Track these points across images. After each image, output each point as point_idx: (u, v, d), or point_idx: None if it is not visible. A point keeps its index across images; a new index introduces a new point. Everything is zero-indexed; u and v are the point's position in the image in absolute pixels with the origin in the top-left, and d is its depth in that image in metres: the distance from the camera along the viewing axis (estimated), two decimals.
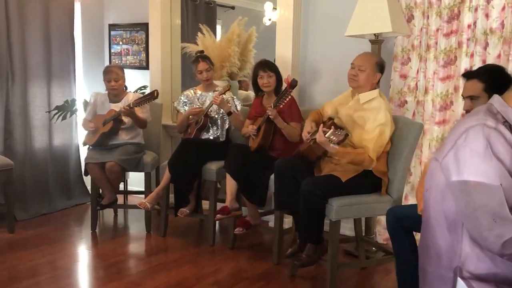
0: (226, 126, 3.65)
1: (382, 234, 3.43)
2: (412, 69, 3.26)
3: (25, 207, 4.04)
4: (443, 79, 3.13)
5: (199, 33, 4.29)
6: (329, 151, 2.60)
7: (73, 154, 4.50)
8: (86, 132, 3.83)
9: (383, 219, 3.27)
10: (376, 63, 2.79)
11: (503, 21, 2.89)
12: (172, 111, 4.37)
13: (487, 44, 2.94)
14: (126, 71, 3.85)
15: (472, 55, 3.01)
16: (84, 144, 3.91)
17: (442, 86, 3.14)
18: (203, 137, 3.61)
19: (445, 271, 1.49)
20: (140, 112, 3.61)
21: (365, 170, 2.74)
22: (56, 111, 4.15)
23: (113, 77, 3.65)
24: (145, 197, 3.59)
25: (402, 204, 2.90)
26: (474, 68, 2.85)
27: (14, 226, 3.70)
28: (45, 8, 4.18)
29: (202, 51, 3.79)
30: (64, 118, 4.21)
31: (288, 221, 3.56)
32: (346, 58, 2.96)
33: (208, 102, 3.58)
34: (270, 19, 5.91)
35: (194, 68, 3.61)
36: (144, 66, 4.58)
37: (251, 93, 5.50)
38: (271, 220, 3.64)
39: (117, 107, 3.65)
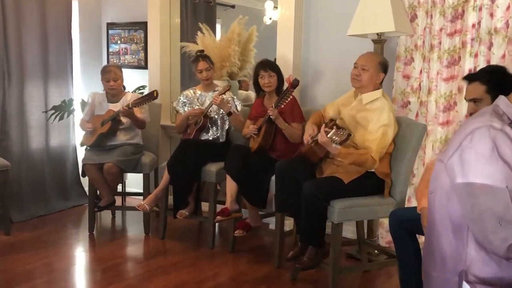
0: (226, 126, 3.64)
1: (384, 237, 3.41)
2: (415, 69, 3.24)
3: (22, 209, 4.02)
4: (446, 80, 3.12)
5: (198, 32, 4.27)
6: (331, 151, 2.60)
7: (70, 155, 4.47)
8: (83, 132, 3.82)
9: (385, 221, 3.27)
10: (379, 63, 2.78)
11: (507, 20, 2.87)
12: (171, 112, 4.35)
13: (491, 44, 2.93)
14: (124, 70, 3.84)
15: (476, 55, 2.99)
16: (82, 144, 3.90)
17: (446, 86, 3.12)
18: (202, 138, 3.60)
19: (450, 275, 1.47)
20: (139, 112, 3.60)
21: (368, 172, 2.74)
22: (53, 111, 4.13)
23: (111, 76, 3.63)
24: (144, 198, 3.56)
25: (405, 206, 2.89)
26: (479, 68, 2.84)
27: (10, 228, 3.68)
28: (42, 7, 4.15)
29: (202, 51, 3.77)
30: (61, 118, 4.18)
31: (289, 224, 3.54)
32: (348, 58, 2.95)
33: (207, 102, 3.57)
34: (270, 18, 5.92)
35: (194, 67, 3.60)
36: (142, 65, 4.56)
37: (251, 93, 5.48)
38: (271, 222, 3.63)
39: (115, 107, 3.63)
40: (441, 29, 3.10)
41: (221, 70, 4.10)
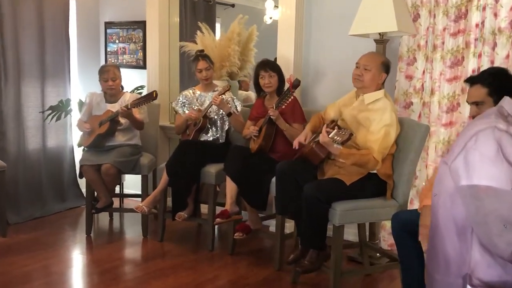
0: (226, 127, 3.62)
1: (386, 240, 3.40)
2: (418, 69, 3.22)
3: (18, 210, 3.99)
4: (450, 80, 3.10)
5: (198, 32, 4.26)
6: (332, 152, 2.60)
7: (68, 156, 4.44)
8: (81, 133, 3.81)
9: (387, 224, 3.26)
10: (382, 63, 2.78)
11: (511, 20, 2.84)
12: (170, 112, 4.34)
13: (495, 44, 2.91)
14: (122, 70, 3.82)
15: (480, 56, 2.97)
16: (79, 145, 3.88)
17: (449, 87, 3.10)
18: (202, 139, 3.58)
19: (454, 278, 1.47)
20: (138, 113, 3.58)
21: (370, 173, 2.73)
22: (50, 111, 4.10)
23: (110, 76, 3.61)
24: (142, 200, 3.54)
25: (408, 208, 2.87)
26: (482, 69, 2.82)
27: (7, 229, 3.65)
28: (39, 6, 4.13)
29: (202, 50, 3.75)
30: (58, 118, 4.15)
31: (289, 226, 3.51)
32: (350, 58, 2.95)
33: (207, 102, 3.55)
34: (271, 18, 5.92)
35: (193, 66, 3.59)
36: (141, 65, 4.54)
37: (251, 94, 5.46)
38: (272, 224, 3.61)
39: (113, 107, 3.62)
40: (444, 29, 3.08)
41: (221, 70, 4.08)
